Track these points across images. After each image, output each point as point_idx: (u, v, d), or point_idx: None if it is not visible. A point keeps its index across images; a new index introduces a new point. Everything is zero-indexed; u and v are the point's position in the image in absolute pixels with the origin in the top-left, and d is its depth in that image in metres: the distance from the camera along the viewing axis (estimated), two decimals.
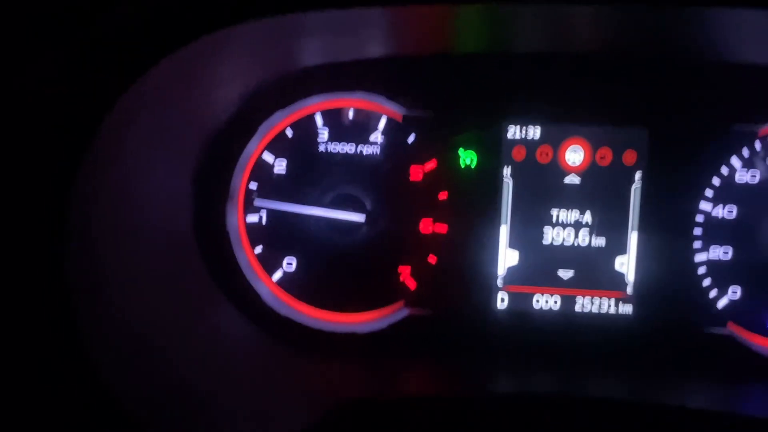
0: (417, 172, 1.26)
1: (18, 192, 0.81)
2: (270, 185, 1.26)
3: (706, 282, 1.24)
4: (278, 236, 1.28)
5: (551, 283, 1.26)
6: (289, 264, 1.28)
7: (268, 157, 1.26)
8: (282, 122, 1.26)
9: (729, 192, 1.23)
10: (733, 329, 1.24)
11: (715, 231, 1.24)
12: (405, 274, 1.28)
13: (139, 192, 1.03)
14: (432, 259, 1.27)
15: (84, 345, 0.85)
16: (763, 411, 1.09)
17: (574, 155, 1.25)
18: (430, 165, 1.26)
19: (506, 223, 1.26)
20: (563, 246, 1.26)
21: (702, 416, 1.05)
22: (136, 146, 0.98)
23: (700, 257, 1.24)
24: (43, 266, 0.82)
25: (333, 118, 1.26)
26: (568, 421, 1.05)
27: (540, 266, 1.26)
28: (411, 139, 1.26)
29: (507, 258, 1.26)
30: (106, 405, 0.86)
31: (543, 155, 1.25)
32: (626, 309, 1.25)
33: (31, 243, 0.82)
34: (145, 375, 0.95)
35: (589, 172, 1.24)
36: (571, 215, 1.25)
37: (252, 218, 1.27)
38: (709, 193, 1.23)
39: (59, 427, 0.86)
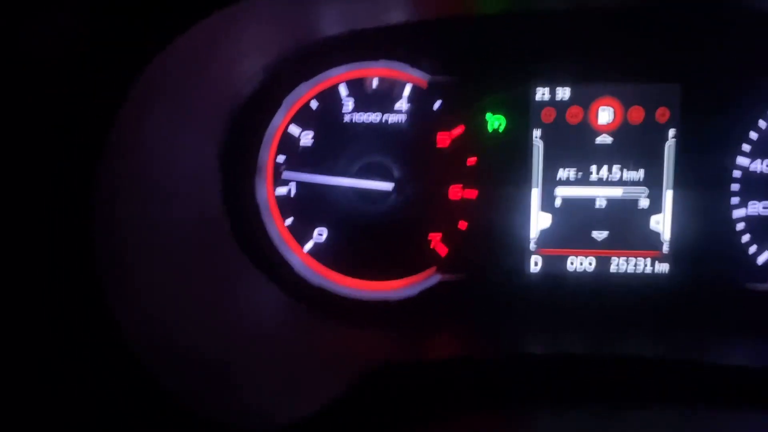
0: (444, 139, 1.25)
1: (46, 168, 0.82)
2: (297, 157, 1.27)
3: (745, 238, 1.21)
4: (308, 207, 1.28)
5: (585, 244, 1.25)
6: (320, 234, 1.29)
7: (294, 129, 1.27)
8: (306, 94, 1.26)
9: (767, 146, 1.19)
10: None
11: (754, 186, 1.20)
12: (436, 240, 1.27)
13: (167, 168, 1.03)
14: (462, 225, 1.26)
15: (115, 318, 0.86)
16: None
17: (605, 114, 1.22)
18: (458, 131, 1.24)
19: (537, 186, 1.24)
20: (596, 207, 1.24)
21: (743, 373, 1.03)
22: (162, 122, 0.99)
23: (738, 213, 1.21)
24: (74, 240, 0.83)
25: (357, 87, 1.25)
26: (604, 381, 1.04)
27: (573, 228, 1.25)
28: (437, 105, 1.24)
29: (539, 221, 1.25)
30: (138, 376, 0.88)
31: (573, 116, 1.23)
32: (662, 268, 1.23)
33: (60, 217, 0.83)
34: (179, 347, 0.97)
35: (620, 131, 1.22)
36: (603, 175, 1.23)
37: (281, 191, 1.28)
38: (746, 147, 1.20)
39: (91, 398, 0.88)
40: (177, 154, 1.06)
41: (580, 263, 1.25)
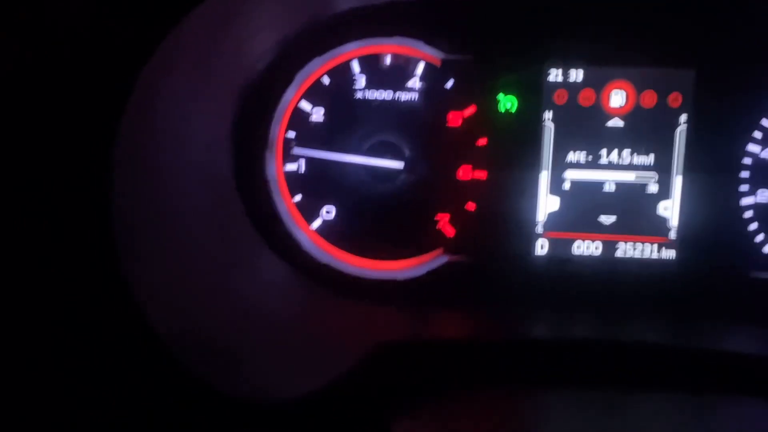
0: (456, 118, 1.24)
1: (63, 141, 0.83)
2: (308, 134, 1.26)
3: (753, 226, 1.22)
4: (317, 184, 1.28)
5: (592, 228, 1.25)
6: (328, 212, 1.29)
7: (305, 105, 1.26)
8: (318, 70, 1.25)
9: None
10: None
11: (764, 174, 1.20)
12: (444, 221, 1.27)
13: (180, 141, 1.03)
14: (471, 206, 1.26)
15: (130, 287, 0.87)
16: None
17: (618, 98, 1.22)
18: (469, 110, 1.24)
19: (547, 168, 1.24)
20: (605, 191, 1.24)
21: (746, 360, 1.04)
22: (176, 96, 0.99)
23: (746, 201, 1.21)
24: (90, 211, 0.84)
25: (370, 64, 1.24)
26: (608, 365, 1.05)
27: (581, 212, 1.25)
28: (449, 84, 1.24)
29: (547, 204, 1.25)
30: (151, 346, 0.88)
31: (585, 99, 1.22)
32: (669, 254, 1.24)
33: (77, 193, 0.84)
34: (189, 317, 0.98)
35: (632, 115, 1.21)
36: (613, 159, 1.23)
37: (291, 167, 1.28)
38: (757, 134, 1.20)
39: (105, 367, 0.89)
40: (191, 128, 1.05)
41: (587, 247, 1.26)
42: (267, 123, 1.24)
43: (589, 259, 1.25)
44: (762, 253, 1.22)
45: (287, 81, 1.23)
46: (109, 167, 0.83)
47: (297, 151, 1.27)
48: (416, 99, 1.24)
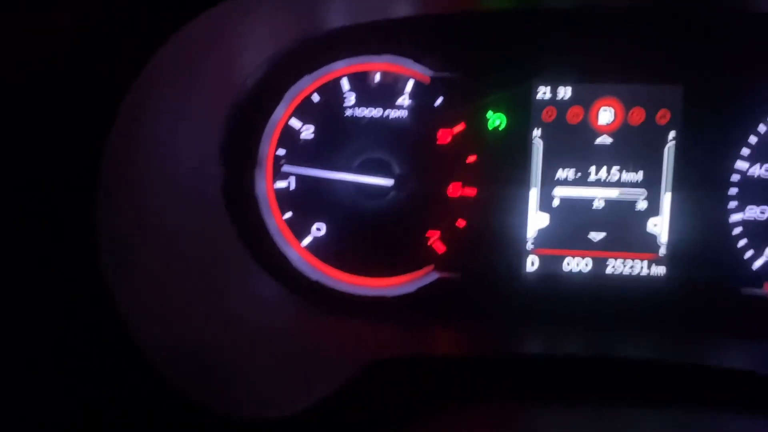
0: (445, 136, 1.25)
1: (50, 158, 0.82)
2: (298, 151, 1.26)
3: (742, 242, 1.22)
4: (307, 202, 1.28)
5: (582, 245, 1.25)
6: (318, 229, 1.29)
7: (295, 122, 1.26)
8: (308, 87, 1.25)
9: (765, 150, 1.20)
10: None
11: (752, 190, 1.21)
12: (434, 238, 1.27)
13: (168, 158, 1.03)
14: (461, 223, 1.26)
15: (116, 304, 0.86)
16: None
17: (606, 115, 1.22)
18: (459, 128, 1.24)
19: (536, 185, 1.24)
20: (594, 208, 1.24)
21: (737, 376, 1.04)
22: (165, 112, 0.99)
23: (735, 217, 1.21)
24: (77, 228, 0.84)
25: (359, 82, 1.25)
26: (598, 382, 1.05)
27: (571, 229, 1.25)
28: (439, 101, 1.24)
29: (537, 221, 1.25)
30: (139, 365, 0.88)
31: (574, 116, 1.23)
32: (659, 270, 1.24)
33: (64, 210, 0.84)
34: (178, 334, 0.97)
35: (621, 132, 1.22)
36: (602, 176, 1.23)
37: (280, 184, 1.28)
38: (745, 151, 1.20)
39: (90, 384, 0.88)
40: (179, 145, 1.05)
41: (577, 264, 1.26)
42: (256, 140, 1.24)
43: (579, 276, 1.25)
44: (751, 269, 1.22)
45: (277, 98, 1.24)
46: (96, 184, 0.83)
47: (287, 168, 1.27)
48: (406, 116, 1.25)
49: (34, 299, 0.84)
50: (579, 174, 1.24)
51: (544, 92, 1.22)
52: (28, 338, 0.85)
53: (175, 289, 1.01)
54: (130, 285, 0.90)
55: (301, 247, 1.29)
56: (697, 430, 0.97)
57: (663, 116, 1.21)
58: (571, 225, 1.25)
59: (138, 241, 0.96)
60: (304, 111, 1.26)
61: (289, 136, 1.26)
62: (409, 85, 1.24)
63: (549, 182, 1.24)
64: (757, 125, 1.20)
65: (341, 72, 1.25)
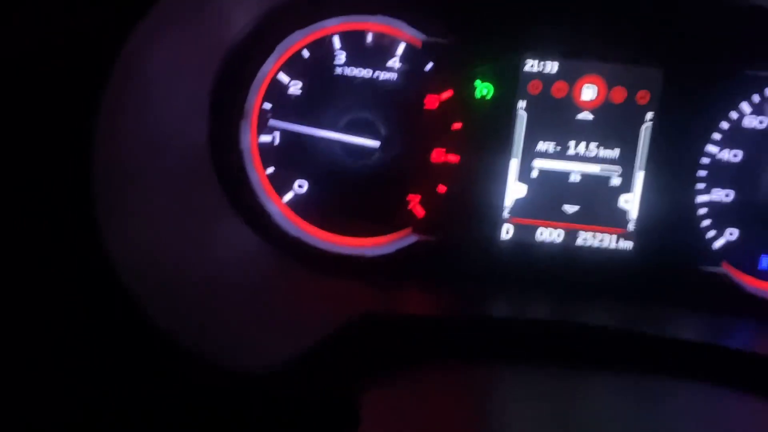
0: (433, 101, 1.26)
1: (48, 113, 0.82)
2: (284, 106, 1.26)
3: (705, 222, 1.28)
4: (290, 158, 1.28)
5: (556, 217, 1.29)
6: (300, 186, 1.30)
7: (283, 77, 1.25)
8: (298, 43, 1.24)
9: (736, 136, 1.26)
10: (727, 269, 1.29)
11: (719, 174, 1.27)
12: (414, 201, 1.30)
13: (160, 108, 1.03)
14: (441, 189, 1.29)
15: (107, 251, 0.87)
16: (747, 345, 1.16)
17: (589, 92, 1.26)
18: (446, 94, 1.26)
19: (517, 156, 1.27)
20: (570, 182, 1.28)
21: (690, 347, 1.11)
22: (157, 65, 0.98)
23: (701, 198, 1.28)
24: (71, 175, 0.83)
25: (351, 41, 1.24)
26: (563, 346, 1.10)
27: (546, 200, 1.29)
28: (429, 67, 1.25)
29: (515, 190, 1.29)
30: (128, 308, 0.89)
31: (558, 90, 1.25)
32: (626, 245, 1.30)
33: (61, 155, 0.83)
34: (161, 278, 0.98)
35: (601, 109, 1.26)
36: (581, 151, 1.27)
37: (265, 138, 1.27)
38: (716, 136, 1.26)
39: (83, 332, 0.89)
40: (171, 96, 1.05)
41: (549, 234, 1.30)
42: (244, 92, 1.23)
43: (550, 246, 1.30)
44: (712, 248, 1.29)
45: (266, 52, 1.22)
46: (92, 132, 0.82)
47: (272, 122, 1.26)
48: (395, 79, 1.25)
49: (28, 249, 0.83)
50: (559, 147, 1.27)
51: (532, 65, 1.25)
52: (19, 286, 0.85)
53: (162, 237, 1.01)
54: (119, 229, 0.90)
55: (282, 203, 1.30)
56: (653, 394, 1.03)
57: (643, 97, 1.25)
58: (547, 196, 1.29)
59: (127, 184, 0.95)
60: (293, 66, 1.25)
61: (276, 90, 1.26)
62: (401, 48, 1.25)
63: (529, 154, 1.27)
64: (729, 112, 1.25)
65: (333, 29, 1.24)
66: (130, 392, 0.91)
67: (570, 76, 1.25)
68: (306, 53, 1.25)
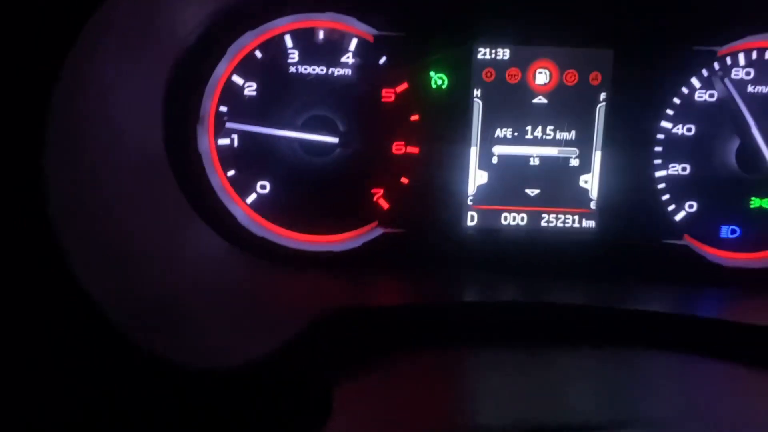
0: (389, 94, 1.27)
1: None
2: (241, 108, 1.26)
3: (665, 197, 1.31)
4: (251, 159, 1.28)
5: (519, 201, 1.31)
6: (263, 187, 1.29)
7: (237, 79, 1.25)
8: (251, 44, 1.24)
9: (688, 111, 1.28)
10: (689, 240, 1.31)
11: (675, 148, 1.29)
12: (378, 195, 1.30)
13: (113, 115, 1.01)
14: (405, 180, 1.29)
15: (64, 258, 0.86)
16: (713, 313, 1.17)
17: (542, 76, 1.27)
18: (402, 87, 1.27)
19: (476, 144, 1.28)
20: (530, 166, 1.30)
21: (658, 319, 1.12)
22: (108, 69, 0.97)
23: (660, 173, 1.30)
24: (24, 183, 0.82)
25: (303, 39, 1.25)
26: (534, 326, 1.11)
27: (508, 185, 1.30)
28: (382, 60, 1.26)
29: (477, 178, 1.30)
30: (87, 312, 0.87)
31: (512, 76, 1.27)
32: (589, 224, 1.31)
33: (11, 164, 0.82)
34: (128, 286, 0.97)
35: (556, 92, 1.27)
36: (538, 135, 1.28)
37: (223, 141, 1.27)
38: (669, 112, 1.28)
39: (44, 335, 0.87)
40: (123, 102, 1.03)
41: (513, 218, 1.32)
42: (198, 96, 1.23)
43: (515, 229, 1.31)
44: (674, 221, 1.31)
45: (219, 54, 1.22)
46: (43, 140, 0.81)
47: (229, 125, 1.26)
48: (350, 74, 1.26)
49: None
50: (516, 133, 1.29)
51: (484, 53, 1.26)
52: None
53: (122, 242, 1.00)
54: (77, 239, 0.89)
55: (246, 204, 1.29)
56: (625, 367, 1.04)
57: (595, 78, 1.27)
58: (509, 181, 1.30)
59: (85, 195, 0.94)
60: (247, 67, 1.25)
61: (231, 93, 1.25)
62: (353, 44, 1.25)
63: (488, 141, 1.28)
64: (681, 87, 1.28)
65: (284, 28, 1.24)
66: (96, 397, 0.90)
67: (522, 61, 1.27)
68: (259, 54, 1.25)
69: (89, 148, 0.97)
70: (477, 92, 1.27)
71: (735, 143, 1.28)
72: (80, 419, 0.88)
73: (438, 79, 1.27)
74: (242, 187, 1.29)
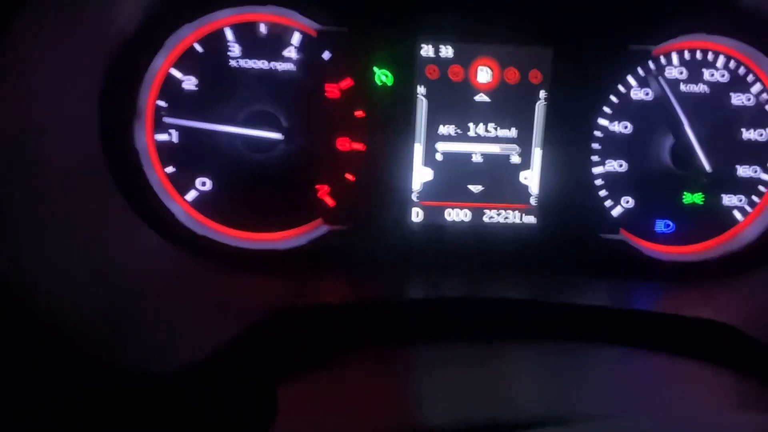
0: (333, 90, 1.26)
1: None
2: (180, 103, 1.22)
3: (603, 193, 1.34)
4: (191, 155, 1.24)
5: (462, 197, 1.32)
6: (203, 184, 1.26)
7: (176, 73, 1.21)
8: (190, 37, 1.21)
9: (625, 109, 1.32)
10: (625, 235, 1.35)
11: (612, 145, 1.33)
12: (323, 191, 1.29)
13: (46, 110, 0.97)
14: (350, 177, 1.29)
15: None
16: (649, 306, 1.22)
17: (484, 74, 1.28)
18: (346, 82, 1.25)
19: (420, 141, 1.29)
20: (473, 162, 1.31)
21: (597, 311, 1.16)
22: (40, 64, 0.93)
23: (597, 170, 1.33)
24: None
25: (244, 32, 1.22)
26: (478, 321, 1.13)
27: (452, 182, 1.31)
28: (326, 55, 1.24)
29: (422, 174, 1.30)
30: (25, 320, 0.84)
31: (455, 74, 1.28)
32: (530, 219, 1.34)
33: None
34: (64, 291, 0.93)
35: (498, 90, 1.29)
36: (480, 132, 1.30)
37: (162, 137, 1.23)
38: (607, 110, 1.32)
39: None
40: (57, 96, 0.99)
41: (457, 214, 1.33)
42: (135, 90, 1.19)
43: (459, 225, 1.32)
44: (611, 216, 1.35)
45: (155, 47, 1.18)
46: None
47: (168, 120, 1.22)
48: (293, 69, 1.24)
49: None
50: (459, 130, 1.30)
51: (426, 50, 1.26)
52: None
53: (57, 244, 0.96)
54: (8, 242, 0.85)
55: (186, 202, 1.26)
56: (562, 359, 1.07)
57: (535, 76, 1.29)
58: (453, 178, 1.31)
59: (13, 199, 0.89)
60: (187, 61, 1.21)
61: (170, 87, 1.22)
62: (296, 38, 1.24)
63: (432, 137, 1.29)
64: (617, 86, 1.31)
65: (224, 22, 1.22)
66: (39, 403, 0.86)
67: (465, 59, 1.28)
68: (199, 47, 1.22)
69: (15, 147, 0.92)
70: (421, 89, 1.27)
71: (670, 141, 1.32)
72: (23, 426, 0.84)
73: (382, 75, 1.26)
74: (182, 184, 1.25)
